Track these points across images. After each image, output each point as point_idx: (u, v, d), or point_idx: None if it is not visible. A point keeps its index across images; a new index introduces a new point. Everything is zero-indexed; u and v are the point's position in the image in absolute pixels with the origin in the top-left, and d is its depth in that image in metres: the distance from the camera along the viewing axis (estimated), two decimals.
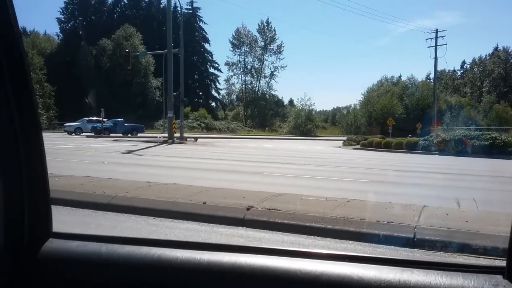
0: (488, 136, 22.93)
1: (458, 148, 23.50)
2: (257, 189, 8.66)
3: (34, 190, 1.28)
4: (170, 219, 6.32)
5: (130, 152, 19.92)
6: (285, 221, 5.89)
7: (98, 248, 1.28)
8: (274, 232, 5.78)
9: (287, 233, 5.70)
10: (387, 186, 10.88)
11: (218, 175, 11.60)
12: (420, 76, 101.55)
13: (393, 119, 46.77)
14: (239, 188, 8.58)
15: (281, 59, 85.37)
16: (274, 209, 6.23)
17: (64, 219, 6.20)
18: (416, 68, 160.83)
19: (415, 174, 14.46)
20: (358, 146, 31.91)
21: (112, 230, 5.70)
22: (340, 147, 34.16)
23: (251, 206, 6.37)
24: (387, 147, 27.76)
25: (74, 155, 17.63)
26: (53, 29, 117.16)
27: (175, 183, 8.69)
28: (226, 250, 1.25)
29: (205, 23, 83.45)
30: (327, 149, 29.88)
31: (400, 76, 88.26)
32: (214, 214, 6.29)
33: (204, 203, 6.63)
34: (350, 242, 5.36)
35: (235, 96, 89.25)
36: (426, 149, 25.58)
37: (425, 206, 6.67)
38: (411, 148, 26.21)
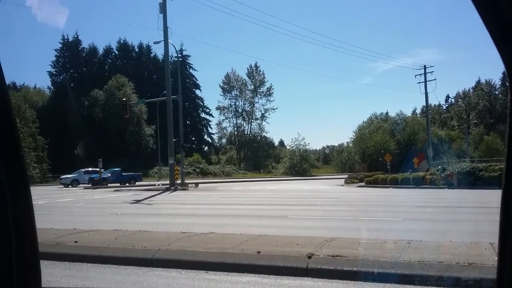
0: (497, 167, 22.86)
1: (467, 180, 23.31)
2: (295, 233, 8.25)
3: (22, 244, 1.27)
4: (224, 272, 5.85)
5: (137, 201, 19.31)
6: (354, 269, 5.45)
7: None
8: (344, 281, 5.33)
9: (359, 282, 5.26)
10: (424, 224, 10.51)
11: (245, 221, 11.11)
12: (407, 111, 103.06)
13: (390, 155, 46.86)
14: (279, 234, 8.14)
15: (271, 101, 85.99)
16: (338, 256, 5.79)
17: (112, 278, 5.70)
18: (402, 103, 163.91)
19: (440, 209, 14.13)
20: (362, 184, 31.62)
21: None
22: (343, 185, 33.81)
23: (311, 254, 5.93)
24: (393, 183, 27.51)
25: (83, 208, 16.99)
26: (43, 83, 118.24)
27: (212, 232, 8.22)
28: None
29: (195, 69, 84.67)
30: (333, 188, 29.50)
31: (387, 113, 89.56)
32: (273, 264, 5.83)
33: (259, 252, 6.18)
34: None
35: (226, 140, 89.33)
36: (433, 184, 25.37)
37: (491, 243, 6.31)
38: (418, 183, 25.97)
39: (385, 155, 47.95)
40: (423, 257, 5.56)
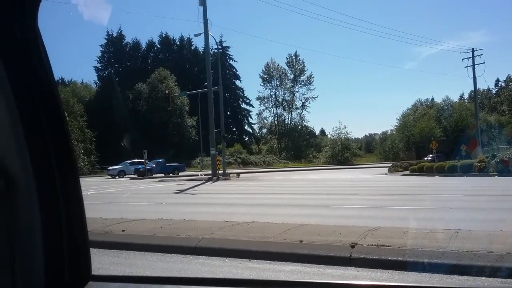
0: None
1: None
2: (337, 223, 8.14)
3: (73, 233, 1.32)
4: (267, 261, 5.86)
5: (181, 191, 19.73)
6: (399, 258, 5.32)
7: None
8: (389, 271, 5.21)
9: (405, 272, 5.13)
10: (473, 213, 10.13)
11: (286, 210, 11.12)
12: (454, 97, 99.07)
13: (436, 142, 45.34)
14: (321, 223, 8.08)
15: (312, 89, 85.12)
16: (383, 245, 5.67)
17: (158, 266, 5.86)
18: (448, 89, 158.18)
19: (490, 197, 13.57)
20: (407, 172, 30.81)
21: (212, 277, 5.27)
22: (386, 174, 33.09)
23: (355, 243, 5.84)
24: (439, 171, 26.62)
25: (129, 198, 17.56)
26: (90, 78, 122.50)
27: (254, 221, 8.26)
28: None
29: (235, 60, 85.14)
30: (376, 177, 28.93)
31: (433, 99, 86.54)
32: (316, 253, 5.78)
33: (301, 241, 6.15)
34: (483, 278, 4.74)
35: (266, 130, 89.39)
36: (483, 171, 24.35)
37: None
38: (466, 170, 25.00)
39: (431, 142, 46.43)
40: (472, 247, 5.35)
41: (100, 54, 75.35)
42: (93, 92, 71.70)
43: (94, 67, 76.44)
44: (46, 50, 1.26)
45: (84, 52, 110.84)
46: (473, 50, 47.51)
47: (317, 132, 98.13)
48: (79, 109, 56.11)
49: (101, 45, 75.21)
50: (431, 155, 53.87)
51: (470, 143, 45.03)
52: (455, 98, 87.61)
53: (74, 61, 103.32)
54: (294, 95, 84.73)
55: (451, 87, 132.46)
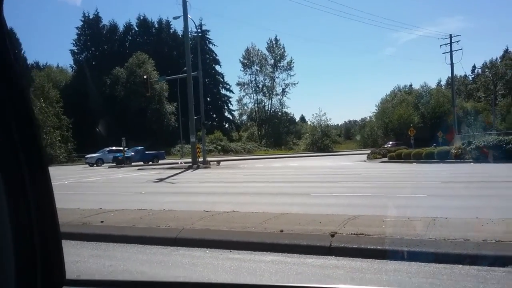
0: None
1: (496, 154, 22.73)
2: (317, 211, 8.19)
3: (45, 236, 1.23)
4: (248, 251, 5.86)
5: (161, 180, 19.59)
6: (378, 247, 5.40)
7: None
8: (368, 259, 5.28)
9: (384, 260, 5.21)
10: (449, 200, 10.33)
11: (267, 199, 11.16)
12: (431, 83, 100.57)
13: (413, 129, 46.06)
14: (301, 212, 8.13)
15: (292, 75, 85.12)
16: (362, 234, 5.75)
17: (138, 258, 5.81)
18: (426, 75, 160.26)
19: (466, 184, 13.87)
20: (385, 159, 31.22)
21: (194, 269, 5.25)
22: (365, 161, 33.50)
23: (334, 232, 5.90)
24: (416, 158, 27.08)
25: (108, 187, 17.32)
26: (65, 62, 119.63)
27: (235, 210, 8.26)
28: None
29: (214, 45, 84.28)
30: (355, 164, 29.26)
31: (411, 85, 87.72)
32: (297, 243, 5.81)
33: (281, 231, 6.18)
34: (459, 266, 4.84)
35: (247, 116, 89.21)
36: (459, 158, 24.87)
37: None
38: (443, 157, 25.50)
39: (408, 129, 47.16)
40: (449, 234, 5.46)
41: (76, 37, 73.58)
42: (69, 77, 69.97)
43: (70, 50, 74.74)
44: (11, 37, 1.17)
45: (59, 35, 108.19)
46: (450, 36, 48.12)
47: (297, 119, 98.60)
48: (54, 94, 54.67)
49: (77, 28, 73.46)
50: (390, 142, 55.63)
51: (448, 130, 45.89)
52: (433, 84, 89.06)
53: (49, 44, 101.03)
54: (274, 81, 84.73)
55: (429, 73, 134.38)
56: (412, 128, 44.84)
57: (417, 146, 35.00)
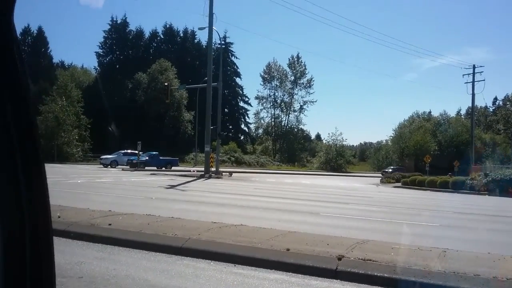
0: None
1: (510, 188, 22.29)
2: (325, 232, 8.10)
3: (39, 256, 1.14)
4: (252, 267, 5.81)
5: (172, 187, 19.64)
6: (386, 275, 5.29)
7: None
8: (374, 287, 5.19)
9: None
10: (461, 232, 10.15)
11: (277, 215, 11.07)
12: (451, 111, 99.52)
13: (429, 156, 45.53)
14: (310, 231, 8.03)
15: (311, 93, 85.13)
16: (370, 260, 5.64)
17: (142, 264, 5.79)
18: (446, 103, 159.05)
19: (479, 217, 13.59)
20: (399, 184, 30.84)
21: (196, 280, 5.22)
22: (378, 184, 33.13)
23: (342, 256, 5.80)
24: (431, 186, 26.70)
25: (120, 189, 17.41)
26: (90, 63, 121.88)
27: (242, 224, 8.21)
28: None
29: (237, 57, 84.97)
30: (367, 187, 28.96)
31: (430, 112, 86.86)
32: (302, 263, 5.73)
33: (288, 250, 6.10)
34: None
35: (262, 130, 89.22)
36: (473, 189, 24.44)
37: None
38: (458, 187, 25.08)
39: (424, 156, 46.63)
40: (459, 268, 5.33)
41: (102, 40, 74.95)
42: (92, 78, 71.18)
43: (95, 52, 75.99)
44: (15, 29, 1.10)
45: (85, 37, 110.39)
46: (474, 67, 47.69)
47: (313, 136, 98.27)
48: (76, 94, 55.64)
49: (104, 31, 74.78)
50: (391, 167, 55.69)
51: (465, 161, 45.11)
52: (452, 113, 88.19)
53: (75, 45, 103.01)
54: (293, 97, 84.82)
55: (449, 102, 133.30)
56: (428, 156, 44.32)
57: (432, 174, 34.56)
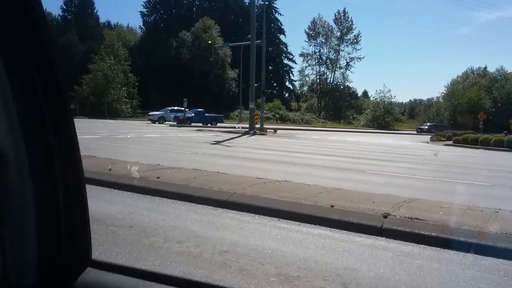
0: None
1: None
2: (371, 190, 7.96)
3: (71, 210, 1.09)
4: (296, 222, 5.84)
5: (217, 143, 19.95)
6: (433, 234, 5.16)
7: (135, 285, 1.12)
8: (420, 245, 5.08)
9: (437, 248, 4.98)
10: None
11: (321, 172, 11.01)
12: (509, 67, 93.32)
13: (484, 114, 43.37)
14: (355, 188, 7.94)
15: (358, 49, 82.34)
16: (416, 219, 5.51)
17: (189, 216, 5.96)
18: (503, 58, 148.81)
19: None
20: (450, 142, 29.75)
21: (241, 233, 5.32)
22: (428, 142, 32.11)
23: (387, 214, 5.71)
24: (484, 144, 25.55)
25: (167, 144, 17.90)
26: (136, 22, 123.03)
27: (287, 180, 8.23)
28: None
29: (280, 14, 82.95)
30: (416, 145, 28.16)
31: (485, 68, 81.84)
32: (346, 220, 5.69)
33: (332, 206, 6.08)
34: None
35: (307, 87, 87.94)
36: None
37: None
38: None
39: (478, 113, 44.47)
40: (511, 229, 5.11)
41: None
42: (137, 37, 72.15)
43: (140, 12, 76.62)
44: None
45: None
46: None
47: (360, 93, 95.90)
48: (123, 53, 56.82)
49: None
50: (428, 124, 54.11)
51: None
52: (510, 68, 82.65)
53: (120, 5, 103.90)
54: (339, 54, 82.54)
55: (507, 57, 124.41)
56: (482, 113, 42.22)
57: (488, 132, 32.98)
